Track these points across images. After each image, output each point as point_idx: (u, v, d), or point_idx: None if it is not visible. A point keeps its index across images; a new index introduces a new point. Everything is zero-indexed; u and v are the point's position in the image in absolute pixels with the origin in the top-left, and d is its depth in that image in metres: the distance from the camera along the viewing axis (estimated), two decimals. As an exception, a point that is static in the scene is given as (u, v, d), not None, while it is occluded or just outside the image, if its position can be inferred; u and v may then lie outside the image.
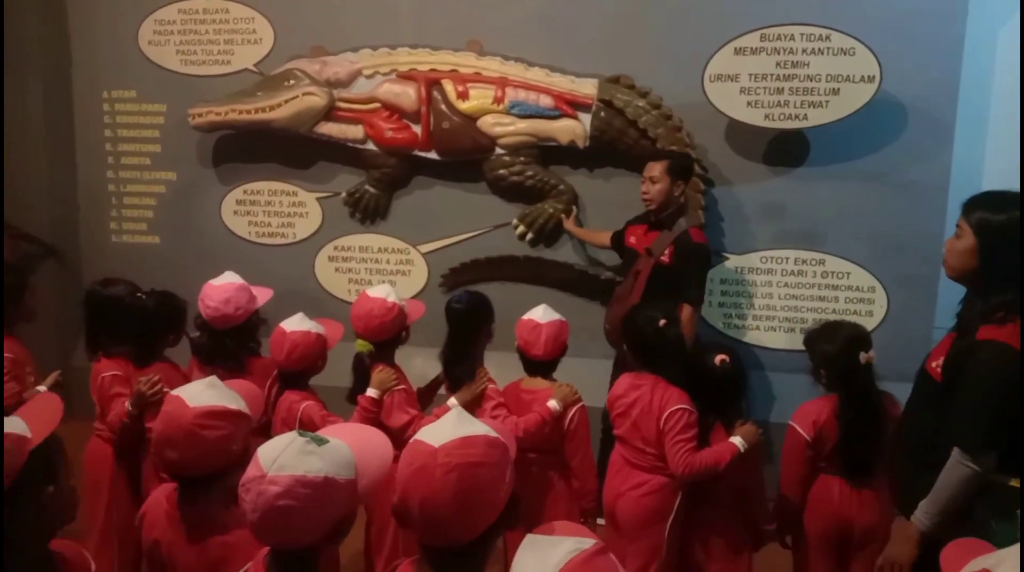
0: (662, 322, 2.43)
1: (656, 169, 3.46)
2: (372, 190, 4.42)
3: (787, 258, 4.10)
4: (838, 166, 3.96)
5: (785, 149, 4.01)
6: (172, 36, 4.61)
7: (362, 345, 2.67)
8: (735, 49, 3.77)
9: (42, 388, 2.66)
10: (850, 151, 3.92)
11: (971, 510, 1.94)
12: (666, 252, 3.46)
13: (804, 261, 4.08)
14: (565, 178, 4.21)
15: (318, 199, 4.58)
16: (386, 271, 4.56)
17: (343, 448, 1.37)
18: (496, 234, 4.38)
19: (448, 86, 4.11)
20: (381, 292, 2.60)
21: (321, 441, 1.34)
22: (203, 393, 1.63)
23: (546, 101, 4.04)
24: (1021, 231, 1.90)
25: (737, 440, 2.35)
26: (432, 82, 4.13)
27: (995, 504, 1.91)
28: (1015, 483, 1.92)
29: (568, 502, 2.62)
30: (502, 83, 4.07)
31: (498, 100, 4.06)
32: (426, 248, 4.49)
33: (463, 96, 4.09)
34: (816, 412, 2.37)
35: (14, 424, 1.43)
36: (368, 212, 4.48)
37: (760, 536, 2.44)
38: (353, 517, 1.39)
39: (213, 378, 1.70)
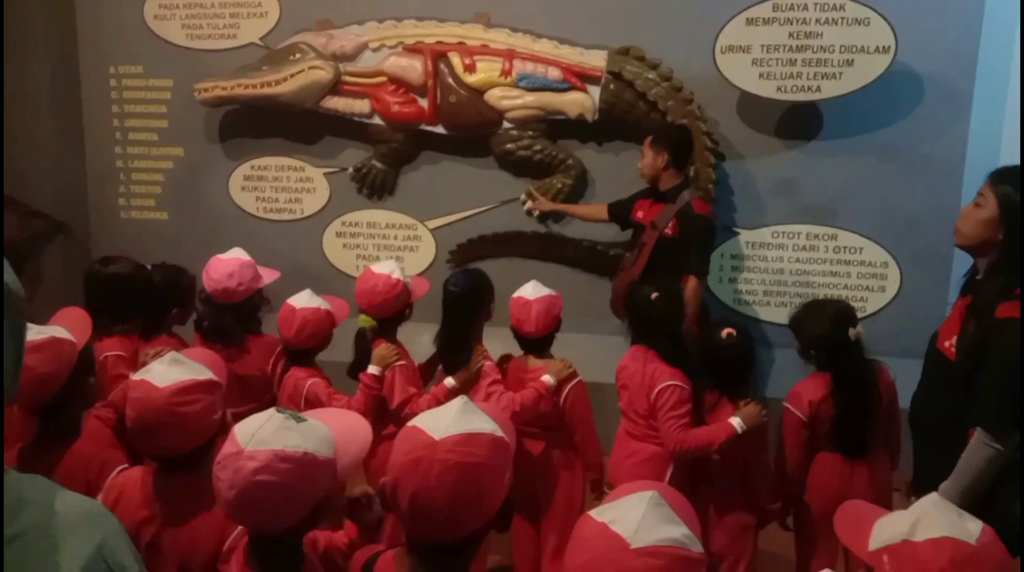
0: (653, 295, 2.40)
1: (645, 143, 3.51)
2: (379, 165, 4.39)
3: (799, 233, 4.05)
4: (852, 139, 3.89)
5: (798, 122, 3.94)
6: (178, 10, 4.56)
7: (365, 321, 2.65)
8: (747, 19, 3.69)
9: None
10: (864, 124, 3.85)
11: (993, 492, 1.90)
12: (670, 224, 3.43)
13: (816, 236, 4.03)
14: (574, 152, 4.16)
15: (325, 175, 4.55)
16: (394, 247, 4.53)
17: (322, 427, 1.35)
18: (504, 210, 4.34)
19: (455, 59, 4.06)
20: (386, 268, 2.57)
21: (300, 419, 1.32)
22: (169, 371, 1.59)
23: (555, 73, 3.98)
24: None
25: (736, 421, 2.31)
26: (438, 55, 4.08)
27: (1017, 484, 1.88)
28: None
29: (570, 480, 2.60)
30: (510, 55, 4.01)
31: (505, 73, 4.01)
32: (434, 224, 4.46)
33: (470, 69, 4.04)
34: (810, 391, 2.34)
35: (58, 331, 1.84)
36: (375, 187, 4.45)
37: (765, 514, 2.42)
38: (334, 499, 1.37)
39: (174, 354, 1.67)
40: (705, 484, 2.41)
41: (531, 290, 2.59)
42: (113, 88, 4.76)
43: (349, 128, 4.37)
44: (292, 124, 4.47)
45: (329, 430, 1.35)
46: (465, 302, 2.59)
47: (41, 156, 4.72)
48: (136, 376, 1.64)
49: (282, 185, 4.62)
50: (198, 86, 4.34)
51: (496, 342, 2.77)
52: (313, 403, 2.53)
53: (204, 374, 1.65)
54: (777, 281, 4.12)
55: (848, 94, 3.68)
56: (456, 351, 2.56)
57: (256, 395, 2.68)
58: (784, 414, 2.46)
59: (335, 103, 4.25)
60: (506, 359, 2.72)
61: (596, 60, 3.96)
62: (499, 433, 1.23)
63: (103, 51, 4.72)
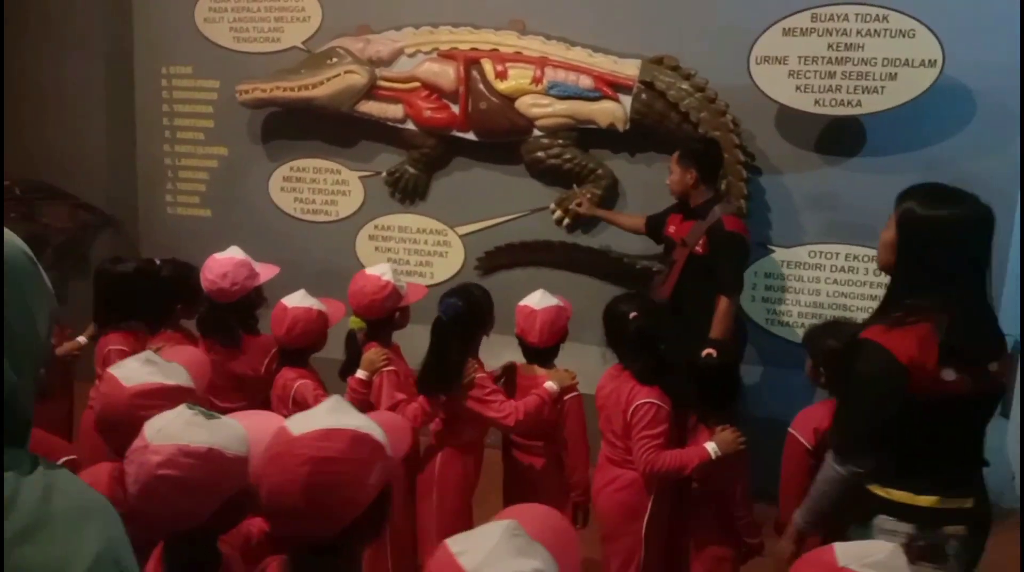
0: (632, 314, 2.31)
1: (672, 159, 3.40)
2: (412, 170, 4.40)
3: (837, 253, 3.87)
4: (896, 157, 3.70)
5: (839, 137, 3.77)
6: (226, 13, 4.68)
7: (355, 322, 2.64)
8: (784, 30, 3.55)
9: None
10: (909, 141, 3.66)
11: (842, 514, 1.91)
12: (700, 242, 3.32)
13: (856, 257, 3.84)
14: (605, 162, 4.08)
15: (360, 178, 4.59)
16: (423, 252, 4.54)
17: (235, 425, 1.33)
18: (533, 218, 4.29)
19: (487, 65, 4.03)
20: (378, 270, 2.57)
21: (210, 415, 1.31)
22: (139, 371, 1.60)
23: (586, 82, 3.91)
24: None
25: (711, 446, 2.21)
26: (471, 61, 4.06)
27: (858, 509, 1.86)
28: (878, 490, 1.83)
29: (559, 494, 2.53)
30: (542, 63, 3.97)
31: (537, 80, 3.96)
32: (463, 230, 4.45)
33: (501, 76, 4.01)
34: (817, 418, 2.21)
35: None
36: (408, 192, 4.46)
37: (745, 547, 2.29)
38: (249, 497, 1.35)
39: (149, 353, 1.68)
40: (681, 511, 2.30)
41: (538, 299, 2.55)
42: (164, 88, 4.91)
43: (384, 133, 4.40)
44: (330, 127, 4.53)
45: (243, 429, 1.33)
46: (456, 332, 2.49)
47: (95, 152, 4.91)
48: (111, 369, 1.66)
49: (319, 187, 4.68)
50: (239, 87, 4.44)
51: (507, 349, 2.72)
52: (300, 404, 2.52)
53: (173, 379, 1.65)
54: (813, 302, 3.95)
55: (891, 109, 3.50)
56: (438, 383, 2.45)
57: (248, 393, 2.71)
58: (787, 441, 2.34)
59: (369, 107, 4.28)
60: (510, 368, 2.67)
61: (629, 69, 3.88)
62: (366, 431, 1.21)
63: (156, 51, 4.88)
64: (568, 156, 4.04)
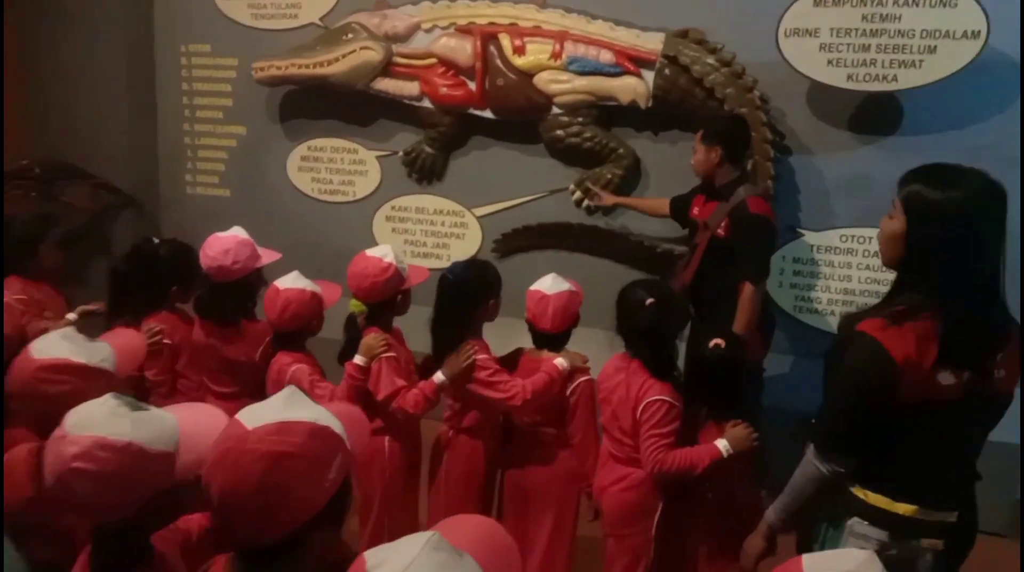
0: (648, 301, 2.16)
1: (696, 138, 3.20)
2: (429, 150, 4.29)
3: (870, 238, 3.67)
4: (935, 135, 3.48)
5: (874, 115, 3.56)
6: (244, -11, 4.61)
7: (355, 305, 2.55)
8: (814, 0, 3.35)
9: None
10: (949, 119, 3.44)
11: (816, 511, 1.79)
12: (722, 224, 3.14)
13: (890, 242, 3.63)
14: (627, 141, 3.93)
15: (378, 158, 4.50)
16: (440, 234, 4.44)
17: (165, 419, 1.24)
18: (552, 199, 4.16)
19: (504, 40, 3.90)
20: (379, 252, 2.46)
21: (137, 406, 1.22)
22: (54, 345, 1.54)
23: (607, 57, 3.75)
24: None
25: (722, 444, 2.07)
26: (488, 36, 3.93)
27: (833, 508, 1.75)
28: (856, 490, 1.71)
29: (566, 484, 2.42)
30: (561, 37, 3.82)
31: (555, 55, 3.81)
32: (481, 211, 4.33)
33: (519, 51, 3.87)
34: None
35: None
36: (425, 172, 4.36)
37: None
38: (186, 494, 1.26)
39: (70, 329, 1.61)
40: (689, 512, 2.17)
41: (550, 284, 2.42)
42: (183, 66, 4.87)
43: (402, 111, 4.30)
44: (348, 106, 4.44)
45: (175, 423, 1.24)
46: (460, 294, 2.42)
47: (116, 132, 4.88)
48: (33, 343, 1.60)
49: (336, 167, 4.61)
50: (255, 65, 4.37)
51: (522, 334, 2.62)
52: (295, 390, 2.45)
53: (88, 358, 1.58)
54: (843, 289, 3.76)
55: (929, 84, 3.28)
56: (448, 346, 2.40)
57: (241, 379, 2.64)
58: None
59: (385, 85, 4.18)
60: (518, 353, 2.56)
61: (652, 43, 3.71)
62: (323, 423, 1.11)
63: (175, 30, 4.84)
64: (588, 135, 3.89)
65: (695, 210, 3.35)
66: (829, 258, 3.76)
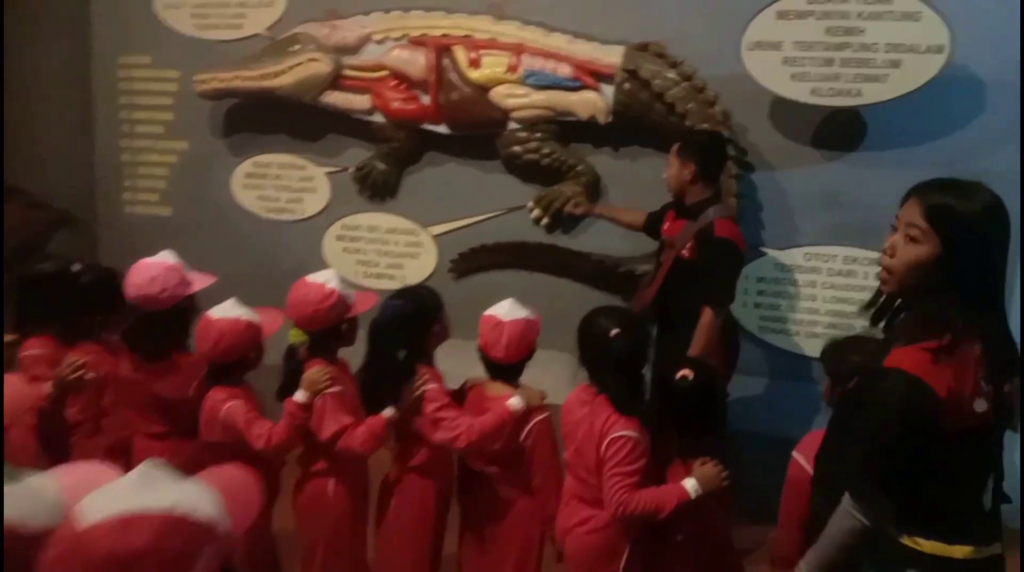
0: (613, 332, 2.01)
1: (672, 151, 3.06)
2: (381, 165, 4.11)
3: (835, 256, 3.59)
4: (899, 151, 3.42)
5: (838, 130, 3.48)
6: (188, -2, 4.40)
7: (295, 335, 2.36)
8: (778, 13, 3.26)
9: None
10: (913, 134, 3.38)
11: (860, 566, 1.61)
12: (688, 245, 3.02)
13: (855, 259, 3.56)
14: (586, 158, 3.80)
15: (327, 174, 4.31)
16: (394, 253, 4.26)
17: (44, 488, 1.04)
18: (511, 217, 4.01)
19: (459, 53, 3.75)
20: (321, 277, 2.28)
21: (11, 476, 1.02)
22: None
23: (565, 70, 3.62)
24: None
25: (690, 484, 1.93)
26: (442, 48, 3.77)
27: (881, 562, 1.58)
28: (908, 541, 1.54)
29: (527, 528, 2.25)
30: (518, 50, 3.68)
31: (512, 69, 3.68)
32: (436, 230, 4.16)
33: (474, 64, 3.72)
34: None
35: None
36: (377, 189, 4.18)
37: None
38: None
39: None
40: (658, 554, 2.02)
41: (506, 310, 2.24)
42: (122, 79, 4.63)
43: (352, 125, 4.12)
44: (295, 120, 4.24)
45: (56, 491, 1.05)
46: (392, 331, 2.24)
47: (52, 146, 4.61)
48: None
49: (284, 183, 4.40)
50: (197, 78, 4.15)
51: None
52: (230, 429, 2.25)
53: None
54: (808, 309, 3.66)
55: (894, 99, 3.21)
56: (379, 388, 2.22)
57: (175, 418, 2.42)
58: (791, 466, 2.06)
59: (335, 98, 3.99)
60: (466, 386, 2.39)
61: (611, 56, 3.59)
62: (183, 510, 0.91)
63: (114, 40, 4.60)
64: (546, 151, 3.75)
65: (666, 225, 3.22)
66: (793, 277, 3.67)
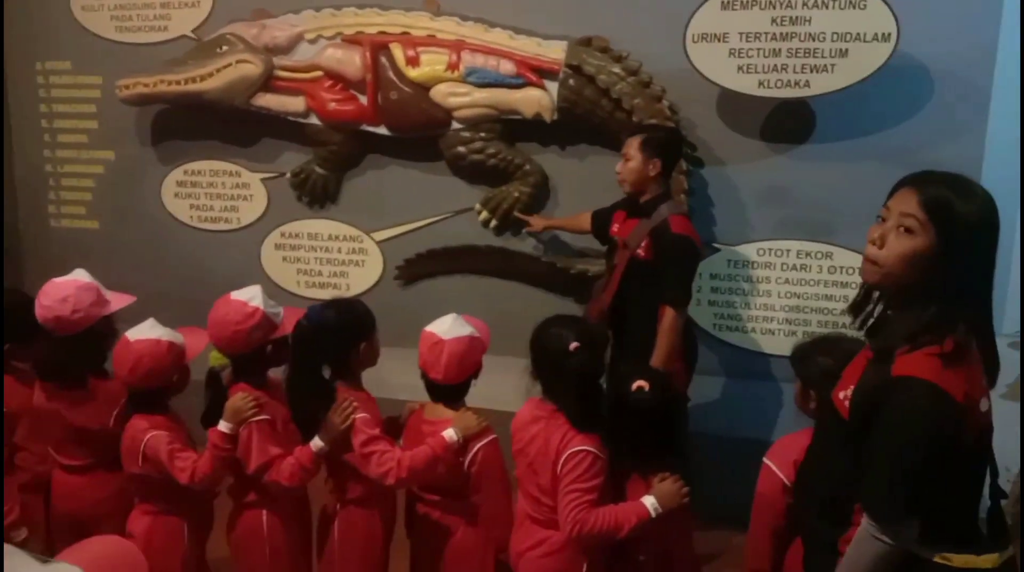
0: (573, 345, 1.88)
1: (632, 145, 2.91)
2: (319, 170, 3.94)
3: (788, 250, 3.52)
4: (849, 142, 3.35)
5: (787, 122, 3.41)
6: (107, 0, 4.15)
7: (216, 358, 2.20)
8: (722, 3, 3.17)
9: None
10: (863, 124, 3.32)
11: None
12: (643, 244, 2.91)
13: (808, 254, 3.49)
14: (533, 157, 3.67)
15: (263, 180, 4.12)
16: (337, 261, 4.08)
17: None
18: (458, 220, 3.87)
19: (397, 51, 3.59)
20: (244, 294, 2.11)
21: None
22: None
23: (507, 67, 3.49)
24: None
25: (649, 501, 1.81)
26: (378, 46, 3.61)
27: None
28: (940, 559, 1.43)
29: (477, 554, 2.10)
30: (458, 47, 3.54)
31: (452, 66, 3.53)
32: (381, 235, 4.00)
33: (413, 62, 3.57)
34: (799, 449, 1.81)
35: None
36: (316, 195, 4.00)
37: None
38: None
39: None
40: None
41: (447, 327, 2.07)
42: (40, 86, 4.37)
43: (287, 129, 3.93)
44: (227, 125, 4.05)
45: None
46: (314, 342, 2.06)
47: (-35, 159, 4.34)
48: None
49: (217, 191, 4.19)
50: (120, 83, 3.93)
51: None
52: (152, 462, 2.07)
53: None
54: (763, 305, 3.59)
55: (843, 90, 3.14)
56: (306, 404, 2.06)
57: (96, 449, 2.24)
58: (762, 473, 1.95)
59: (267, 101, 3.80)
60: (407, 411, 2.24)
61: (554, 52, 3.47)
62: None
63: (30, 45, 4.34)
64: (492, 151, 3.62)
65: (615, 227, 3.11)
66: (747, 273, 3.60)
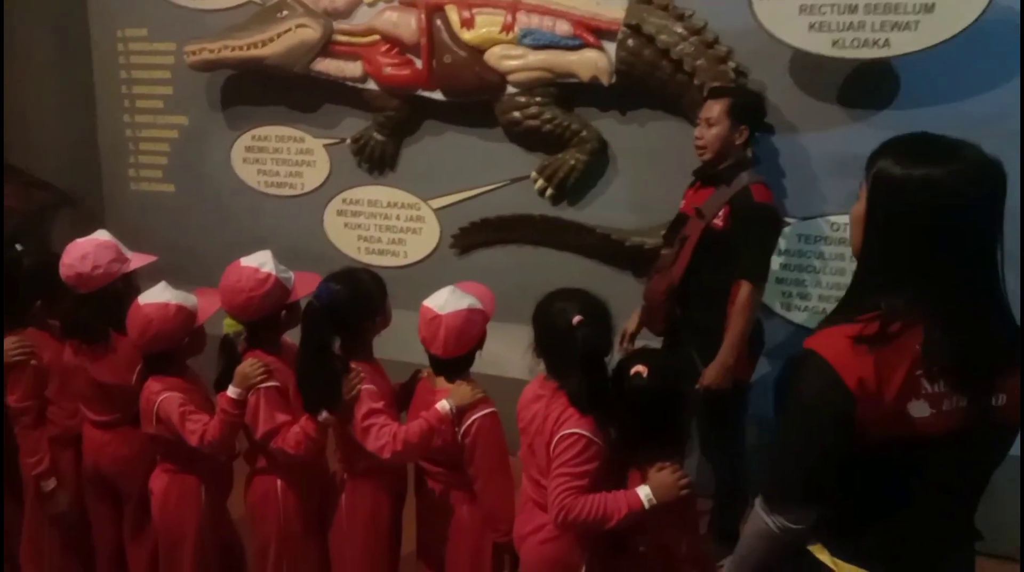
0: (576, 319, 1.75)
1: (715, 109, 2.70)
2: (378, 136, 3.91)
3: (864, 225, 3.24)
4: (935, 108, 3.05)
5: (865, 86, 3.13)
6: (180, -34, 4.23)
7: (230, 325, 2.18)
8: (792, -46, 2.92)
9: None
10: (950, 89, 3.00)
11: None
12: (720, 213, 2.69)
13: (886, 229, 3.20)
14: (591, 123, 3.52)
15: (325, 146, 4.12)
16: (395, 228, 4.06)
17: None
18: (513, 189, 3.77)
19: (452, 12, 3.49)
20: (255, 260, 2.08)
21: None
22: None
23: (563, 28, 3.34)
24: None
25: (644, 492, 1.68)
26: (433, 8, 3.53)
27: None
28: (822, 555, 1.33)
29: (477, 532, 2.03)
30: (513, 7, 3.41)
31: (507, 28, 3.41)
32: (437, 203, 3.95)
33: (468, 24, 3.46)
34: None
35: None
36: (375, 161, 3.97)
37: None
38: None
39: None
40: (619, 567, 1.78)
41: (444, 300, 1.97)
42: (121, 53, 4.51)
43: (347, 94, 3.91)
44: (291, 90, 4.06)
45: None
46: (326, 318, 2.00)
47: (52, 124, 4.53)
48: None
49: (282, 157, 4.23)
50: (186, 48, 4.01)
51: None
52: (165, 423, 2.09)
53: None
54: (835, 284, 3.33)
55: (928, 49, 2.84)
56: (314, 382, 2.01)
57: (121, 405, 2.28)
58: None
59: (326, 66, 3.79)
60: (416, 376, 2.17)
61: (613, 11, 3.29)
62: None
63: (111, 13, 4.47)
64: (548, 116, 3.48)
65: (684, 203, 2.92)
66: (819, 249, 3.35)
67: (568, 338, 1.75)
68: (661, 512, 1.66)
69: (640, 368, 1.70)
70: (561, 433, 1.71)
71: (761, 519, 1.33)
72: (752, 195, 2.64)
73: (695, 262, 2.75)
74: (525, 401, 1.89)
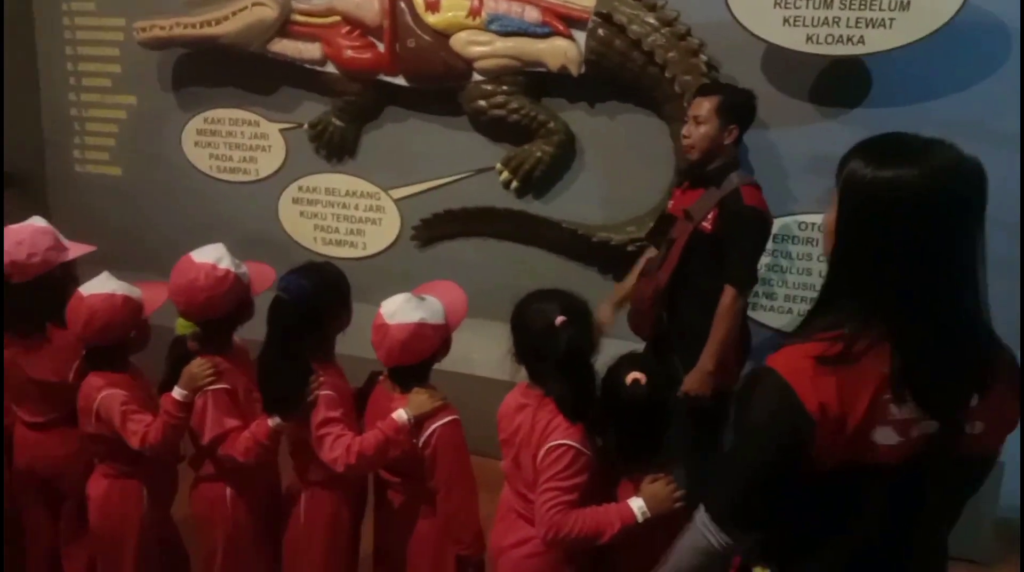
0: (559, 320, 1.65)
1: (704, 106, 2.60)
2: (337, 122, 3.76)
3: (834, 225, 3.20)
4: (908, 108, 3.01)
5: (838, 83, 3.08)
6: (130, -62, 4.03)
7: (183, 326, 2.04)
8: (769, -54, 2.86)
9: None
10: (924, 88, 2.97)
11: None
12: (709, 216, 2.61)
13: (855, 230, 3.17)
14: (559, 114, 3.42)
15: (281, 131, 3.96)
16: (354, 218, 3.92)
17: None
18: (478, 180, 3.66)
19: (416, -6, 3.37)
20: (210, 255, 1.93)
21: None
22: None
23: (532, 15, 3.24)
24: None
25: (636, 505, 1.59)
26: (398, -10, 3.40)
27: None
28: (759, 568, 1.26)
29: (438, 544, 1.93)
30: (481, -9, 3.30)
31: (474, 13, 3.29)
32: (399, 193, 3.82)
33: (432, 7, 3.34)
34: None
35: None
36: (334, 148, 3.83)
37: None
38: None
39: None
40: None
41: (395, 308, 1.84)
42: (66, 27, 4.28)
43: (306, 77, 3.76)
44: (246, 71, 3.90)
45: None
46: (295, 317, 1.87)
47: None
48: None
49: (236, 141, 4.06)
50: (137, 25, 3.82)
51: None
52: (105, 421, 1.95)
53: None
54: (802, 284, 3.30)
55: (902, 47, 2.80)
56: (281, 380, 1.88)
57: (56, 403, 2.13)
58: None
59: (283, 47, 3.63)
60: (373, 379, 2.05)
61: (584, -1, 3.20)
62: None
63: (55, -17, 4.25)
64: (514, 106, 3.38)
65: (671, 204, 2.83)
66: (787, 248, 3.30)
67: (551, 341, 1.65)
68: (653, 525, 1.58)
69: (638, 375, 1.60)
70: (548, 445, 1.62)
71: (701, 533, 1.24)
72: (742, 198, 2.57)
73: (682, 265, 2.67)
74: (507, 411, 1.78)
